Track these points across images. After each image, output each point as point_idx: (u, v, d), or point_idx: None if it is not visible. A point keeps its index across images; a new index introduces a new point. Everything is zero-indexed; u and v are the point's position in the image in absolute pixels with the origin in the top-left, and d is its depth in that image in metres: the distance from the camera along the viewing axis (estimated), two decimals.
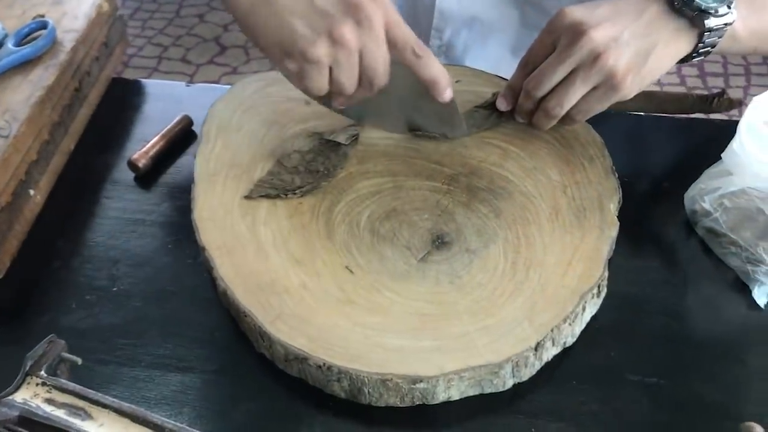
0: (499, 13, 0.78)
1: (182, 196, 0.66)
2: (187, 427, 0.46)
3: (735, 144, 0.58)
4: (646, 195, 0.66)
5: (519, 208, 0.60)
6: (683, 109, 0.72)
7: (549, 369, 0.54)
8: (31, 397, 0.49)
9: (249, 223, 0.60)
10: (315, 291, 0.55)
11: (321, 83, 0.54)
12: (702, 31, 0.57)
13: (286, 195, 0.62)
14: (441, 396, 0.51)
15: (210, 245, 0.58)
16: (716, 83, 2.05)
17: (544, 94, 0.60)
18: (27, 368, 0.50)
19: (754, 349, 0.55)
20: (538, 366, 0.53)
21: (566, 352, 0.55)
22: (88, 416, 0.48)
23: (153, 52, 2.25)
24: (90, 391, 0.49)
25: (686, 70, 2.09)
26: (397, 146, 0.66)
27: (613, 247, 0.58)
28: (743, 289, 0.58)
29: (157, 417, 0.47)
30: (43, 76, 0.69)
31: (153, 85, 0.82)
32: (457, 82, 0.70)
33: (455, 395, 0.52)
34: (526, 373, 0.53)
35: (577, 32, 0.56)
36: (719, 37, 0.58)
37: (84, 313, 0.60)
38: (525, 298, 0.54)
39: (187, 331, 0.58)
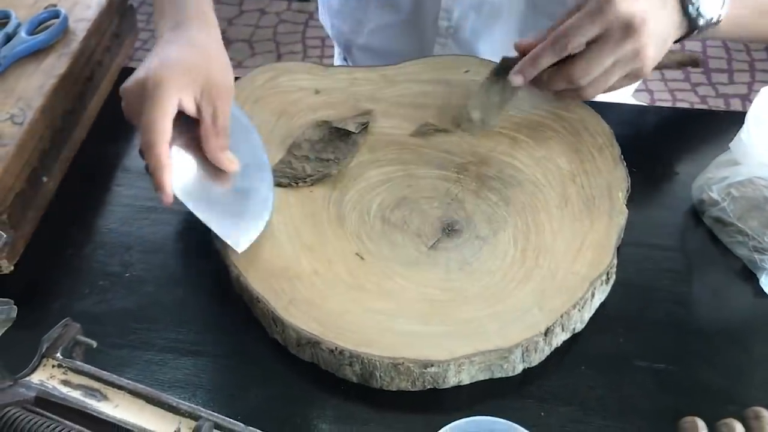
0: None
1: None
2: (202, 408, 0.47)
3: (742, 134, 0.58)
4: (655, 184, 0.66)
5: (528, 196, 0.61)
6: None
7: (558, 354, 0.54)
8: (47, 378, 0.50)
9: None
10: (326, 277, 0.56)
11: None
12: (692, 30, 0.59)
13: (297, 183, 0.63)
14: (452, 380, 0.52)
15: None
16: (720, 79, 2.05)
17: (571, 53, 0.58)
18: (43, 350, 0.50)
19: (760, 336, 0.56)
20: (547, 351, 0.54)
21: (575, 337, 0.55)
22: (103, 397, 0.49)
23: None
24: (105, 372, 0.49)
25: None
26: (407, 136, 0.67)
27: (622, 235, 0.59)
28: (750, 277, 0.59)
29: (171, 398, 0.48)
30: (56, 65, 0.70)
31: None
32: (465, 72, 0.71)
33: (466, 380, 0.52)
34: (536, 358, 0.53)
35: (609, 3, 0.55)
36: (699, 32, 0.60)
37: (97, 298, 0.60)
38: (535, 284, 0.55)
39: (200, 317, 0.59)
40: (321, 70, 0.74)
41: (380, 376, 0.52)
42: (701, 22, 0.58)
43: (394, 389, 0.52)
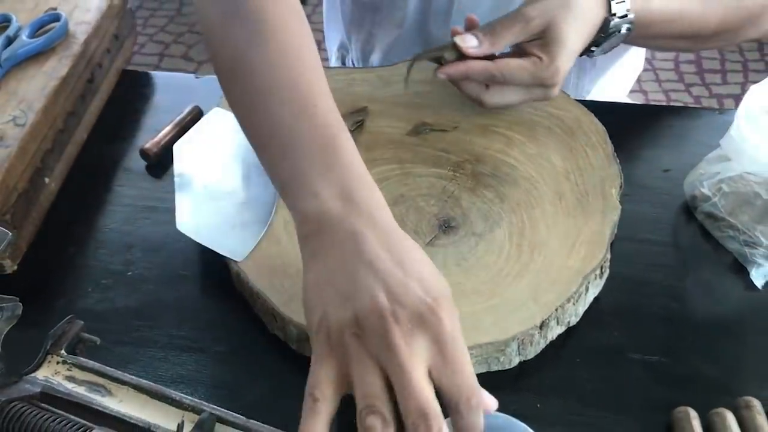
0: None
1: None
2: (204, 403, 0.48)
3: (733, 130, 0.60)
4: (648, 181, 0.67)
5: (523, 193, 0.62)
6: None
7: (554, 347, 0.55)
8: (52, 374, 0.50)
9: None
10: None
11: None
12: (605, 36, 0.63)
13: None
14: None
15: None
16: (714, 79, 2.07)
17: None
18: (48, 347, 0.51)
19: (751, 328, 0.57)
20: (543, 344, 0.55)
21: (570, 331, 0.56)
22: (107, 392, 0.50)
23: (155, 50, 2.27)
24: (109, 368, 0.50)
25: (684, 66, 2.11)
26: (403, 135, 0.68)
27: (616, 230, 0.60)
28: (741, 271, 0.60)
29: (174, 393, 0.49)
30: (57, 67, 0.71)
31: (163, 77, 0.84)
32: None
33: None
34: (532, 351, 0.54)
35: (548, 82, 0.60)
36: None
37: (100, 296, 0.61)
38: (530, 278, 0.56)
39: (202, 314, 0.60)
40: None
41: None
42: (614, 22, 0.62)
43: None
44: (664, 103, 2.00)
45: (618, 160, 0.64)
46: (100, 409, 0.48)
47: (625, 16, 0.62)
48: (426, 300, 0.40)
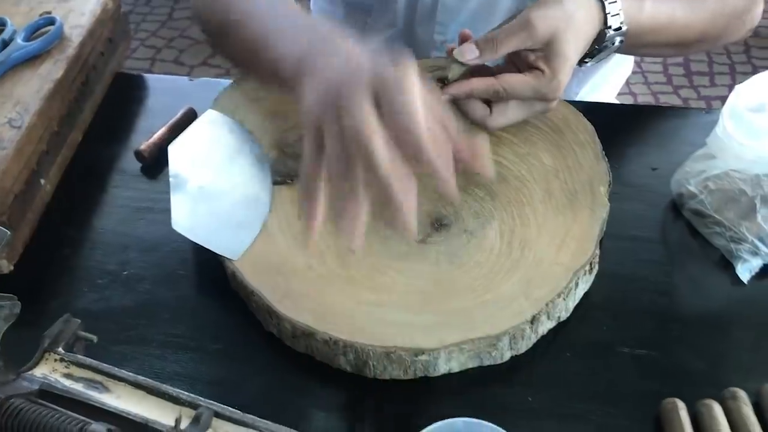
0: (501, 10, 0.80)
1: None
2: (201, 398, 0.49)
3: (718, 129, 0.61)
4: (636, 179, 0.68)
5: (513, 191, 0.63)
6: None
7: (544, 342, 0.56)
8: (50, 372, 0.51)
9: None
10: (320, 271, 0.58)
11: None
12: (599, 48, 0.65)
13: (292, 180, 0.65)
14: (442, 368, 0.54)
15: None
16: (702, 81, 2.09)
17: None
18: (45, 345, 0.52)
19: (737, 321, 0.58)
20: (534, 339, 0.56)
21: (561, 326, 0.57)
22: (105, 389, 0.50)
23: (146, 54, 2.27)
24: (106, 365, 0.51)
25: (672, 69, 2.13)
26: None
27: (604, 227, 0.61)
28: (728, 266, 0.61)
29: (171, 389, 0.49)
30: (52, 70, 0.71)
31: (156, 80, 0.84)
32: None
33: (456, 367, 0.54)
34: (523, 346, 0.55)
35: (550, 96, 0.61)
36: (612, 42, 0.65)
37: (96, 296, 0.62)
38: (521, 275, 0.57)
39: (198, 312, 0.60)
40: None
41: (373, 365, 0.53)
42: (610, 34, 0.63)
43: (387, 378, 0.54)
44: (652, 104, 2.02)
45: (606, 159, 0.65)
46: (97, 405, 0.48)
47: (619, 28, 0.63)
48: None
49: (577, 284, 0.57)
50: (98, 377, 0.51)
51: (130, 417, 0.48)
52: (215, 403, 0.48)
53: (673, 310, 0.59)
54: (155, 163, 0.72)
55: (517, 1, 0.79)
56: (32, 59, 0.72)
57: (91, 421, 0.46)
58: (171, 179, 0.65)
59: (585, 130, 0.68)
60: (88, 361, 0.51)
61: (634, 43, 0.67)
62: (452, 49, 0.62)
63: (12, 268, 0.63)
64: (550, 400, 0.54)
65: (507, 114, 0.63)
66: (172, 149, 0.68)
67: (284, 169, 0.66)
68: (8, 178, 0.63)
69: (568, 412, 0.53)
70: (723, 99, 2.03)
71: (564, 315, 0.57)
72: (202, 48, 2.29)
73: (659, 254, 0.63)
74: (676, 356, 0.56)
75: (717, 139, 0.61)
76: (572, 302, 0.58)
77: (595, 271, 0.59)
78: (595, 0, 0.62)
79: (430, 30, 0.84)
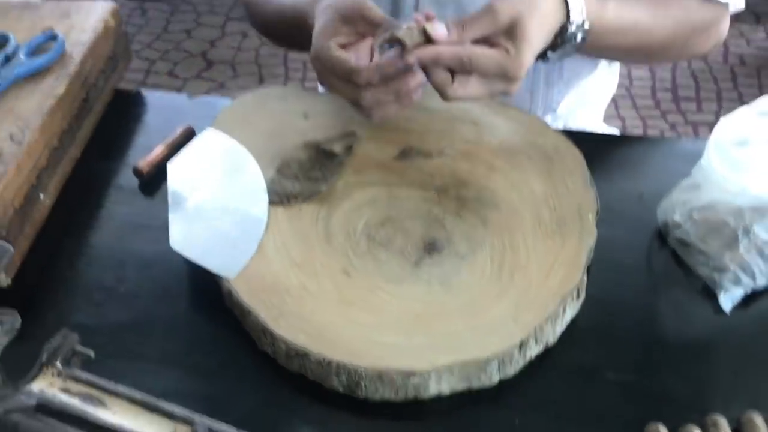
0: None
1: None
2: (196, 414, 0.49)
3: (703, 161, 0.63)
4: (623, 207, 0.70)
5: (504, 217, 0.65)
6: None
7: (532, 366, 0.58)
8: (47, 386, 0.52)
9: None
10: (314, 292, 0.59)
11: None
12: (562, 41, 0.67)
13: (289, 201, 0.66)
14: (432, 390, 0.55)
15: None
16: (689, 107, 2.13)
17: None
18: (43, 359, 0.53)
19: (719, 349, 0.60)
20: (522, 363, 0.57)
21: (548, 350, 0.59)
22: (101, 404, 0.51)
23: (141, 66, 2.28)
24: (103, 380, 0.52)
25: (660, 94, 2.17)
26: (391, 158, 0.71)
27: (592, 254, 0.63)
28: (711, 295, 0.63)
29: (167, 404, 0.50)
30: (54, 86, 0.72)
31: (156, 97, 0.86)
32: None
33: (446, 390, 0.56)
34: (511, 370, 0.57)
35: (512, 74, 0.62)
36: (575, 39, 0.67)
37: (92, 311, 0.63)
38: (510, 299, 0.58)
39: (192, 329, 0.61)
40: (310, 95, 0.77)
41: (365, 386, 0.55)
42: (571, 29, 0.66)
43: (379, 399, 0.55)
44: (640, 129, 2.06)
45: (594, 187, 0.67)
46: (94, 420, 0.49)
47: (582, 24, 0.66)
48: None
49: (564, 310, 0.58)
50: (95, 392, 0.52)
51: None
52: (210, 419, 0.49)
53: (658, 337, 0.61)
54: (153, 180, 0.73)
55: None
56: (34, 75, 0.73)
57: None
58: (169, 197, 0.66)
59: (574, 158, 0.70)
60: (86, 375, 0.52)
61: (598, 44, 0.70)
62: (420, 21, 0.63)
63: (9, 281, 0.64)
64: (538, 424, 0.55)
65: (468, 86, 0.62)
66: (171, 167, 0.69)
67: (281, 189, 0.67)
68: (8, 192, 0.63)
69: None
70: (710, 125, 2.05)
71: (551, 340, 0.59)
72: (197, 61, 2.31)
73: (644, 281, 0.65)
74: (660, 382, 0.57)
75: (702, 171, 0.63)
76: (560, 327, 0.59)
77: (582, 297, 0.61)
78: None
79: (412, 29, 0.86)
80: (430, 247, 0.63)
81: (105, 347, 0.59)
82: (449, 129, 0.73)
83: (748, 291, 0.62)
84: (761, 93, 2.17)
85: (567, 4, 0.66)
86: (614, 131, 1.07)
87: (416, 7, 0.83)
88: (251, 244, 0.62)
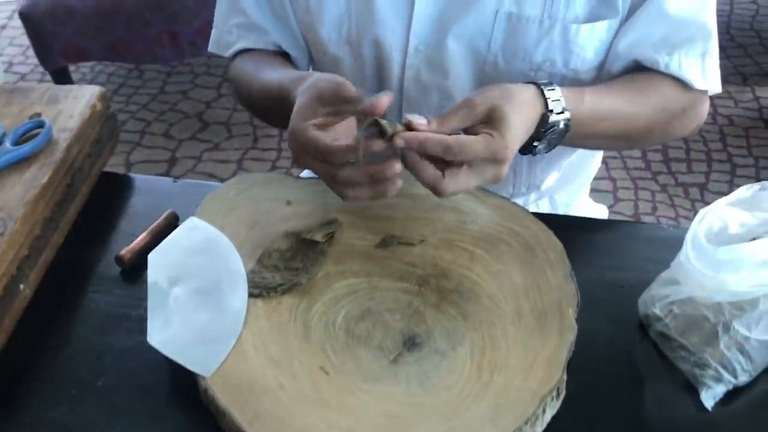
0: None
1: None
2: None
3: (682, 256, 0.63)
4: (604, 295, 0.70)
5: (485, 311, 0.65)
6: None
7: None
8: None
9: None
10: (291, 392, 0.58)
11: None
12: (545, 131, 0.68)
13: (268, 293, 0.66)
14: None
15: None
16: (679, 168, 2.15)
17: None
18: None
19: None
20: None
21: None
22: None
23: (136, 127, 2.31)
24: None
25: (651, 155, 2.19)
26: (372, 247, 0.71)
27: (572, 349, 0.62)
28: (692, 390, 0.62)
29: None
30: (37, 175, 0.73)
31: (141, 180, 0.86)
32: None
33: None
34: None
35: (500, 157, 0.63)
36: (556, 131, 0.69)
37: (68, 406, 0.62)
38: (489, 400, 0.58)
39: (170, 426, 0.61)
40: (293, 181, 0.78)
41: None
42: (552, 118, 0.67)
43: None
44: (631, 191, 2.07)
45: (575, 279, 0.67)
46: None
47: (562, 112, 0.68)
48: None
49: (544, 410, 0.58)
50: None
51: None
52: None
53: None
54: (134, 268, 0.73)
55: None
56: (19, 163, 0.74)
57: None
58: (149, 289, 0.66)
59: (555, 248, 0.70)
60: None
61: (581, 132, 0.71)
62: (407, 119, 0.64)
63: None
64: None
65: (459, 179, 0.63)
66: (152, 257, 0.69)
67: (261, 281, 0.67)
68: None
69: None
70: (700, 186, 2.06)
71: None
72: (192, 122, 2.33)
73: (626, 375, 0.64)
74: None
75: (681, 266, 0.63)
76: (540, 427, 0.58)
77: (562, 395, 0.60)
78: (535, 87, 0.68)
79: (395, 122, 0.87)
80: (410, 343, 0.62)
81: None
82: (431, 217, 0.74)
83: (730, 387, 0.62)
84: (750, 153, 2.21)
85: (543, 93, 0.67)
86: (601, 208, 1.08)
87: (400, 91, 0.85)
88: (229, 340, 0.62)
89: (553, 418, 0.60)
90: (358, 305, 0.66)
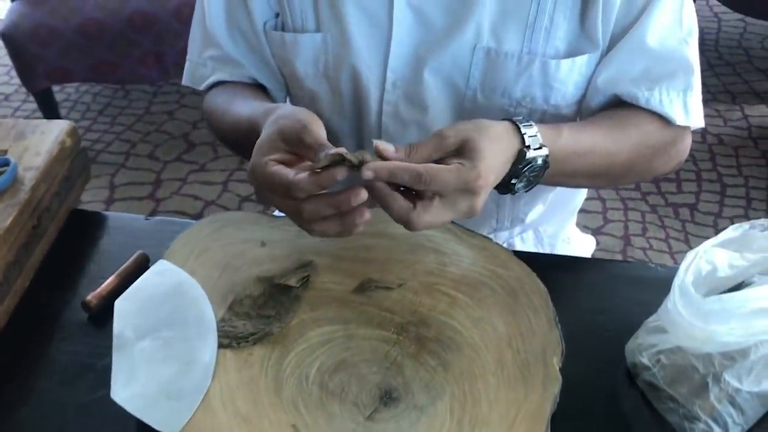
0: None
1: None
2: None
3: (669, 304, 0.60)
4: (589, 341, 0.68)
5: (466, 362, 0.62)
6: None
7: None
8: None
9: None
10: None
11: None
12: (523, 167, 0.66)
13: (239, 344, 0.63)
14: None
15: None
16: (669, 188, 2.13)
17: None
18: None
19: None
20: None
21: None
22: None
23: (121, 148, 2.28)
24: None
25: None
26: (348, 292, 0.68)
27: (557, 401, 0.60)
28: None
29: None
30: (0, 218, 0.70)
31: (112, 218, 0.83)
32: None
33: None
34: None
35: (472, 186, 0.60)
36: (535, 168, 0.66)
37: None
38: None
39: None
40: (268, 221, 0.75)
41: None
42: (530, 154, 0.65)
43: None
44: (621, 212, 2.05)
45: (559, 326, 0.64)
46: None
47: (540, 148, 0.65)
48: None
49: None
50: None
51: None
52: None
53: None
54: (102, 314, 0.70)
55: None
56: None
57: None
58: (114, 340, 0.63)
59: (539, 292, 0.67)
60: None
61: (561, 169, 0.69)
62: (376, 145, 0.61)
63: None
64: None
65: (431, 211, 0.60)
66: (119, 304, 0.66)
67: (232, 331, 0.64)
68: None
69: None
70: (690, 206, 2.04)
71: None
72: (177, 143, 2.30)
73: (613, 429, 0.61)
74: None
75: (668, 314, 0.60)
76: None
77: None
78: (510, 122, 0.65)
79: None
80: (387, 397, 0.60)
81: None
82: (411, 259, 0.71)
83: None
84: (740, 173, 2.20)
85: (520, 129, 0.65)
86: (588, 239, 1.05)
87: (379, 126, 0.82)
88: (196, 395, 0.59)
89: None
90: (332, 356, 0.63)
